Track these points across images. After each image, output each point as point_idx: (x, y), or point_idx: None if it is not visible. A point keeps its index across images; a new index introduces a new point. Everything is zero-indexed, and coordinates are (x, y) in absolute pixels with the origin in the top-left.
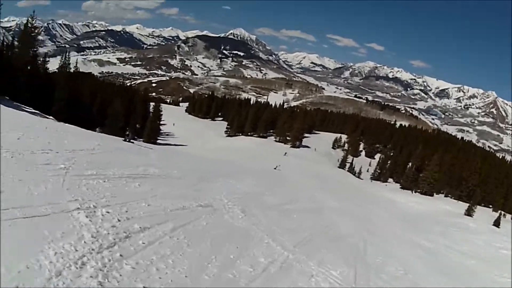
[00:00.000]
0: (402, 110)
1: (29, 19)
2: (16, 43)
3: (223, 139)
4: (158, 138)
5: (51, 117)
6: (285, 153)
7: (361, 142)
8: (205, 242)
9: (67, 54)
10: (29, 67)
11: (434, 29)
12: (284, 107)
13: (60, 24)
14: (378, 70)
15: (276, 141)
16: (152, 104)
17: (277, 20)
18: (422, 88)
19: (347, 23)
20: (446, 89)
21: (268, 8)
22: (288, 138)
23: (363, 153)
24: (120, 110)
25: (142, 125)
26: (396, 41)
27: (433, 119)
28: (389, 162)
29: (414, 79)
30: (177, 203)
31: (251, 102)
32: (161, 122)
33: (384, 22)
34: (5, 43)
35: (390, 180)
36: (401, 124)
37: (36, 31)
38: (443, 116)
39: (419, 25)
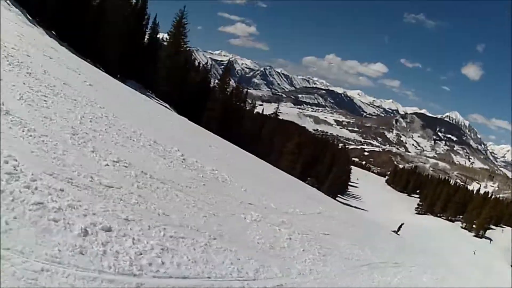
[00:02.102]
0: None
1: (180, 15)
2: (167, 36)
3: (410, 215)
4: (340, 195)
5: (185, 117)
6: (474, 251)
7: None
8: None
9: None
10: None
11: None
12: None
13: (278, 72)
14: None
15: (462, 227)
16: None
17: (489, 107)
18: None
19: None
20: None
21: (482, 93)
22: (474, 226)
23: None
24: (292, 150)
25: (326, 176)
26: None
27: None
28: None
29: None
30: None
31: (450, 182)
32: (350, 183)
33: None
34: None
35: None
36: None
37: (184, 28)
38: None
39: None
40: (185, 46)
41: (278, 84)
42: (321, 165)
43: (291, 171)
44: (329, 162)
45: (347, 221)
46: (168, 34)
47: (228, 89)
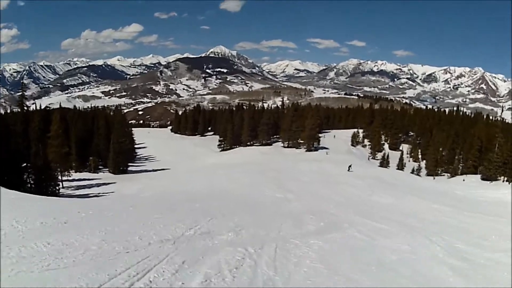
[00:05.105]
0: (395, 101)
1: None
2: None
3: (216, 154)
4: (131, 164)
5: None
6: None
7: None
8: None
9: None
10: None
11: (411, 15)
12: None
13: (41, 65)
14: (363, 66)
15: (284, 146)
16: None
17: (256, 33)
18: (409, 76)
19: (325, 24)
20: (433, 73)
21: (246, 22)
22: (300, 140)
23: (386, 146)
24: (56, 132)
25: (107, 148)
26: (376, 35)
27: (425, 105)
28: (420, 152)
29: (400, 68)
30: None
31: (244, 107)
32: (137, 145)
33: (361, 16)
34: None
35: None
36: (417, 109)
37: None
38: (434, 100)
39: (396, 14)
40: None
41: (44, 77)
42: (99, 138)
43: (65, 158)
44: (104, 131)
45: None
46: None
47: None
